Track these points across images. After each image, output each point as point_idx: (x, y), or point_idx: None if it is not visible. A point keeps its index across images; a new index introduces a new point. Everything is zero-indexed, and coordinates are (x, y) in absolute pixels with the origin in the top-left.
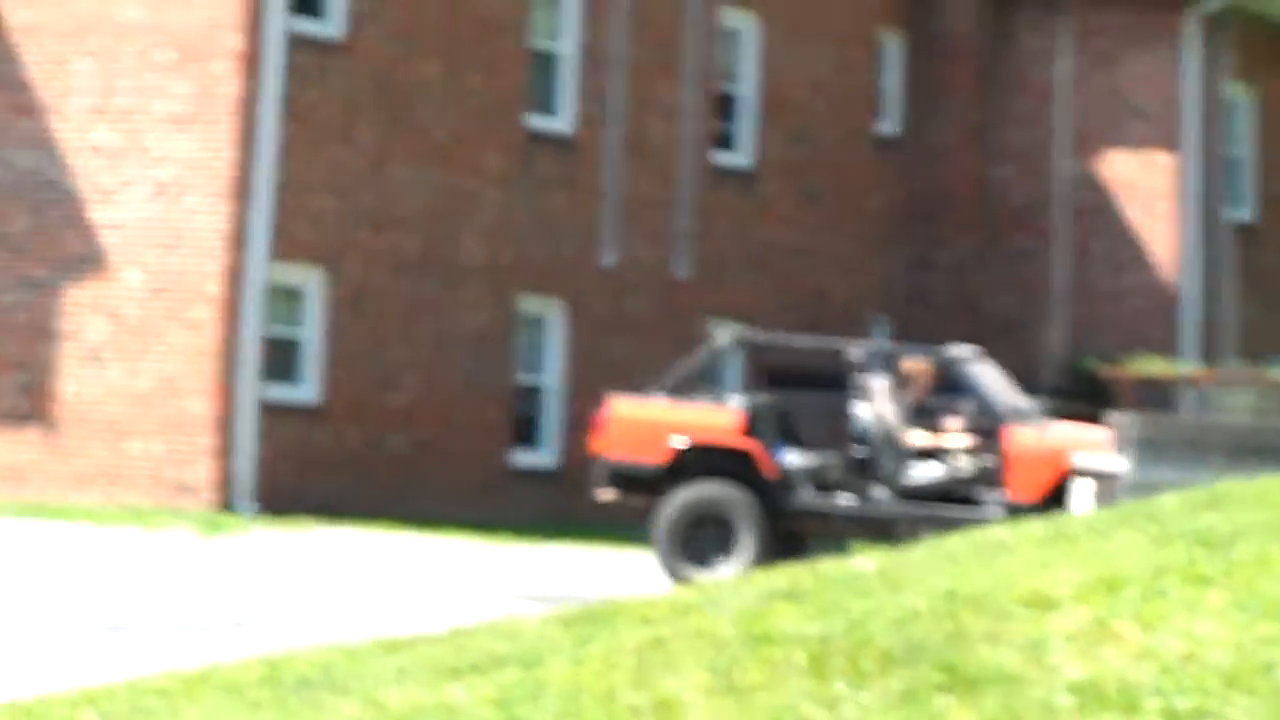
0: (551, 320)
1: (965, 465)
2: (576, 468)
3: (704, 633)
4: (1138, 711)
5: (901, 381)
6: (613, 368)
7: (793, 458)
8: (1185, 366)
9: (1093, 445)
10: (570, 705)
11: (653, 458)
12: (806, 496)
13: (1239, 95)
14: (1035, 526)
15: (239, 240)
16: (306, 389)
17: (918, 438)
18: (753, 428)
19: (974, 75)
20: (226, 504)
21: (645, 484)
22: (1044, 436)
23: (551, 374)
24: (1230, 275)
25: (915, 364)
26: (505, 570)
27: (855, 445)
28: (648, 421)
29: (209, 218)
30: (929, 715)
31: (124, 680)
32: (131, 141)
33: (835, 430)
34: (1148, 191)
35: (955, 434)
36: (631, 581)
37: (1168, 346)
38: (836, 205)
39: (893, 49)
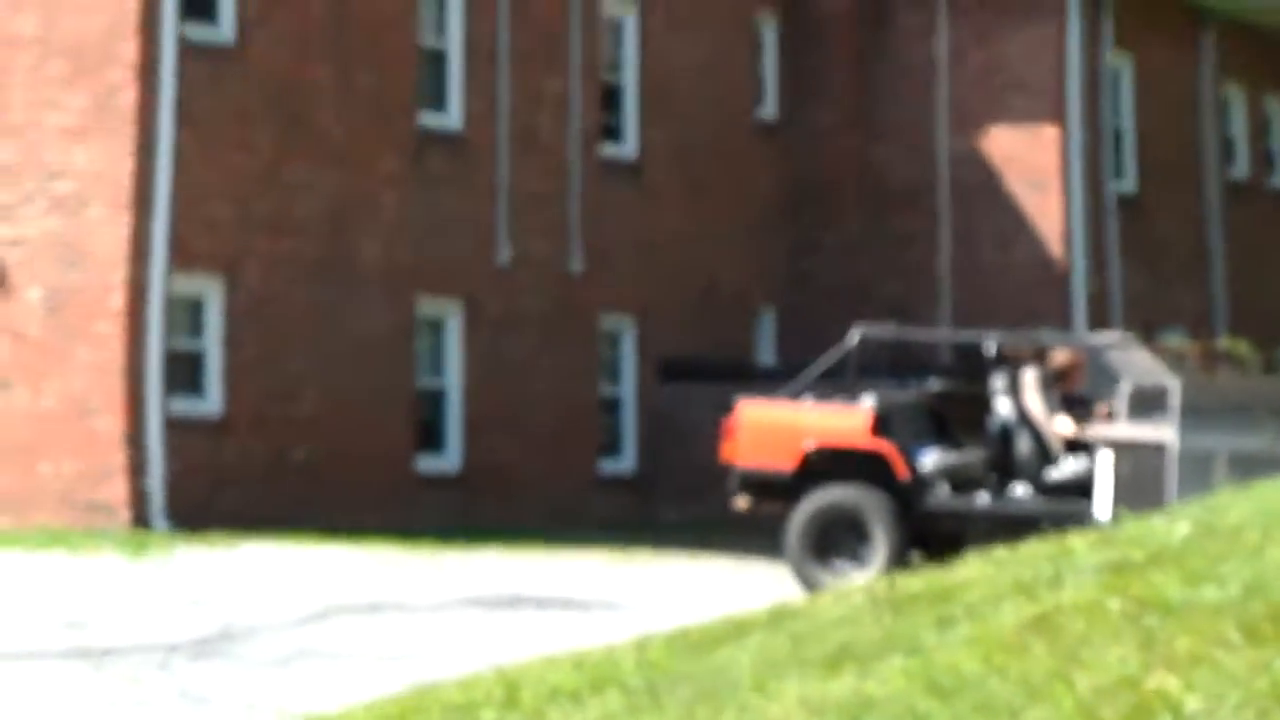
0: (450, 321)
1: None
2: (478, 471)
3: (1086, 606)
4: None
5: (1050, 374)
6: (511, 367)
7: (928, 457)
8: (1077, 340)
9: None
10: (1029, 691)
11: (783, 463)
12: (943, 496)
13: (1120, 65)
14: None
15: (139, 252)
16: (210, 402)
17: (1064, 426)
18: (885, 427)
19: (852, 56)
20: (139, 521)
21: (777, 489)
22: None
23: (452, 376)
24: (1116, 247)
25: (1066, 354)
26: (440, 577)
27: (996, 441)
28: (777, 425)
29: (109, 230)
30: None
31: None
32: (28, 156)
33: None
34: (1032, 166)
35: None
36: (573, 581)
37: (1058, 321)
38: (721, 193)
39: (770, 33)
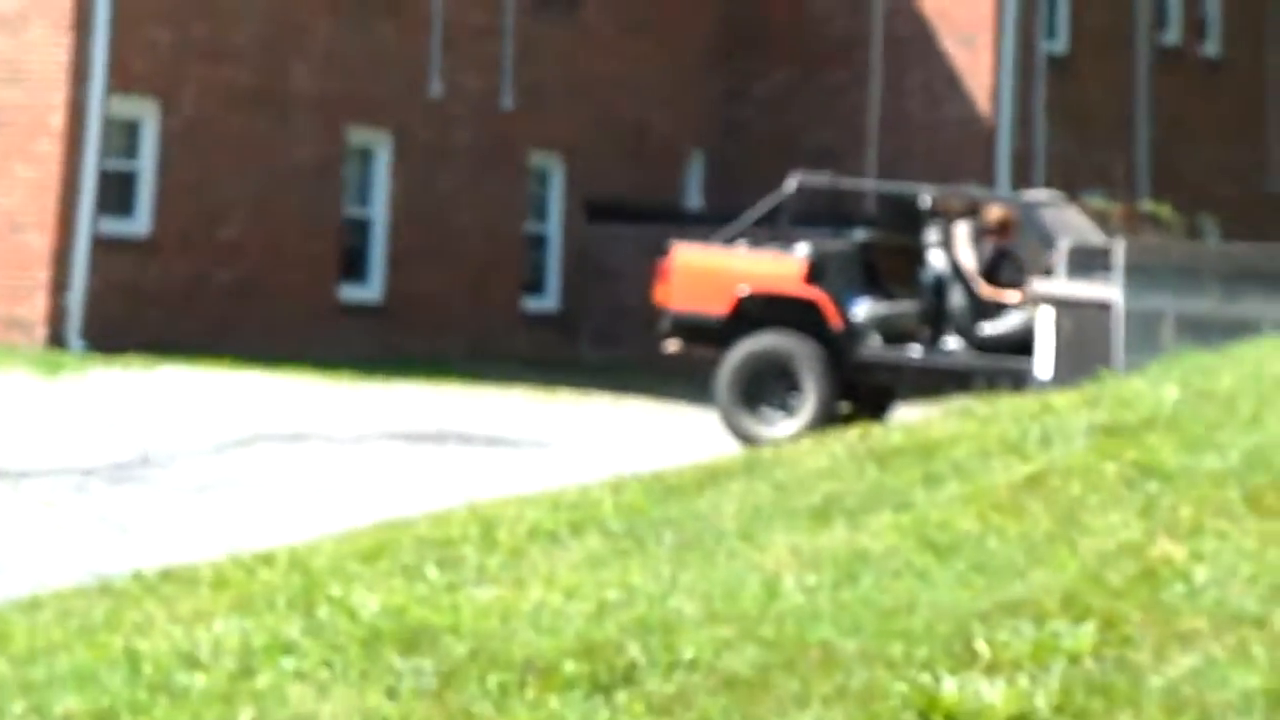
0: (379, 152)
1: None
2: (401, 302)
3: (1080, 468)
4: None
5: (982, 229)
6: (438, 200)
7: (861, 307)
8: (1003, 197)
9: None
10: (1030, 552)
11: (716, 307)
12: (875, 347)
13: None
14: None
15: (79, 73)
16: (139, 223)
17: (984, 290)
18: (818, 275)
19: None
20: (55, 340)
21: (709, 334)
22: None
23: (379, 207)
24: (1043, 107)
25: (1000, 210)
26: (362, 408)
27: (929, 294)
28: (711, 270)
29: (49, 50)
30: None
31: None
32: None
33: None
34: (965, 22)
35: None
36: (498, 417)
37: (983, 178)
38: (656, 35)
39: None
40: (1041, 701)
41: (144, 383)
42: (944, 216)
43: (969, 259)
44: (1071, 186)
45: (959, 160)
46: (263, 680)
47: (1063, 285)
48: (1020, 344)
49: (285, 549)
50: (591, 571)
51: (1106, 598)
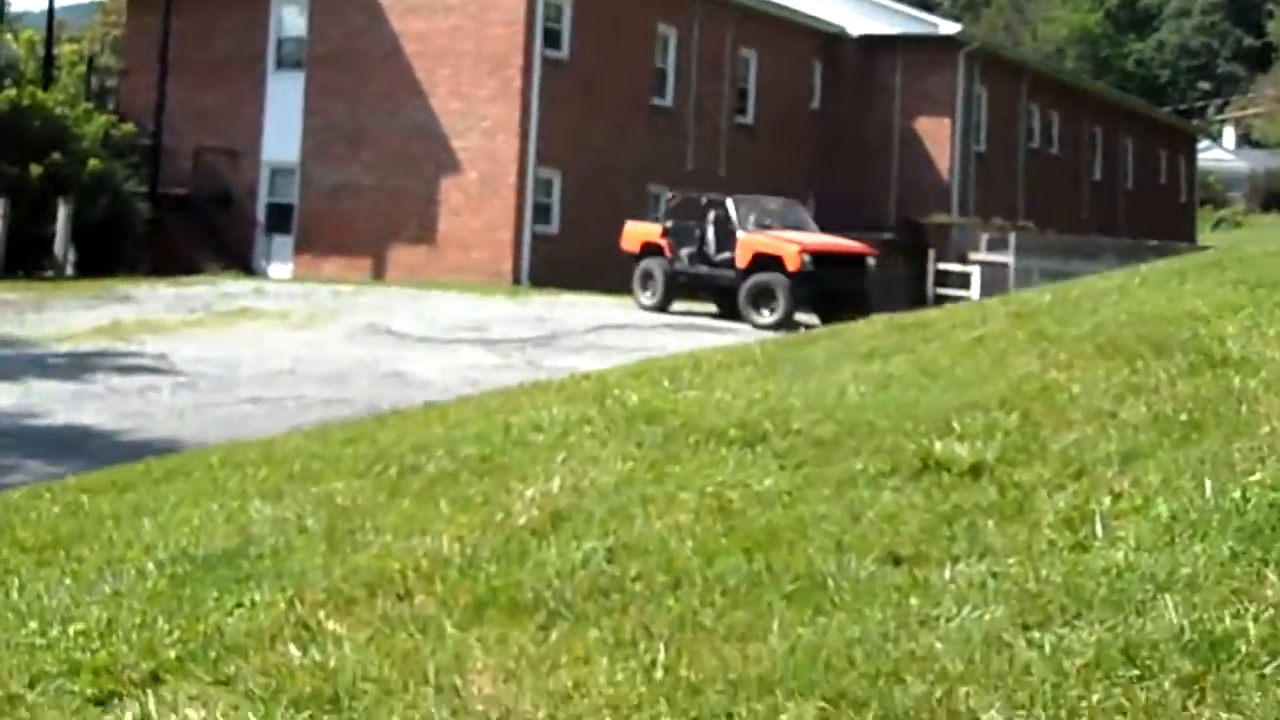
0: (662, 198)
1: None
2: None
3: (1002, 335)
4: None
5: (762, 213)
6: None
7: (683, 250)
8: (954, 219)
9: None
10: (980, 376)
11: (635, 248)
12: (684, 266)
13: (980, 90)
14: (1119, 279)
15: (523, 156)
16: (552, 227)
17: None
18: (669, 234)
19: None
20: (517, 280)
21: (632, 260)
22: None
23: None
24: (973, 178)
25: (769, 203)
26: (654, 316)
27: (703, 245)
28: (634, 232)
29: (507, 145)
30: (1218, 381)
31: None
32: (470, 109)
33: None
34: (937, 136)
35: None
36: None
37: (943, 210)
38: (790, 143)
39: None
40: (989, 456)
41: (555, 301)
42: (715, 207)
43: (742, 223)
44: (986, 214)
45: (932, 200)
46: (572, 438)
47: (984, 255)
48: (727, 263)
49: (596, 372)
50: (746, 384)
51: (1024, 400)
